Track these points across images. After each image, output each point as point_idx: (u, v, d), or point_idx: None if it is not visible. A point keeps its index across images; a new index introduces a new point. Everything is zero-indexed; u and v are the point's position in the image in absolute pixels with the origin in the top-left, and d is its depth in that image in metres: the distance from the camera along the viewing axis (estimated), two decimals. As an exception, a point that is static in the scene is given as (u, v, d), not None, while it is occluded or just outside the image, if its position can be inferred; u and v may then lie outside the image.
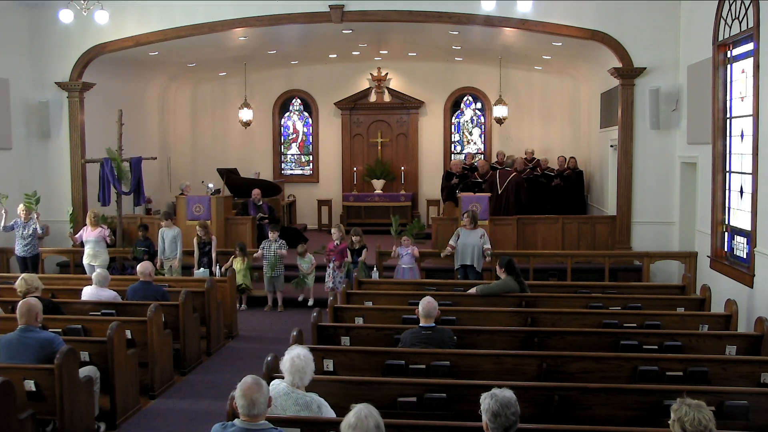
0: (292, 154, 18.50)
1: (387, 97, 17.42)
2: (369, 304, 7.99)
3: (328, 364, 5.75)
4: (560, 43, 12.53)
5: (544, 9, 11.25)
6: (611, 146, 12.88)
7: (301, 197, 17.42)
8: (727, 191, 9.50)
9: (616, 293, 8.32)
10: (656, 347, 6.25)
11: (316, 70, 17.60)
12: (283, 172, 18.33)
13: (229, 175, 15.12)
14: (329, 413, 4.36)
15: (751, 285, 8.35)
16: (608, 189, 13.19)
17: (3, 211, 10.49)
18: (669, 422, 3.30)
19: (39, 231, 10.67)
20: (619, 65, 11.50)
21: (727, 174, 9.47)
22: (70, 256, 11.92)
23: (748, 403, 4.71)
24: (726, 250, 9.51)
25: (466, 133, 17.99)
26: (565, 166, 15.02)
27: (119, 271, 11.37)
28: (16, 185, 12.10)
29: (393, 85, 17.52)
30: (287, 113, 18.40)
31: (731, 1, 9.06)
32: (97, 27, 11.23)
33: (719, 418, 3.82)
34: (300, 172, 18.42)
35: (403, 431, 4.28)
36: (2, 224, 10.57)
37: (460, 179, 14.29)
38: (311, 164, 18.33)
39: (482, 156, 17.21)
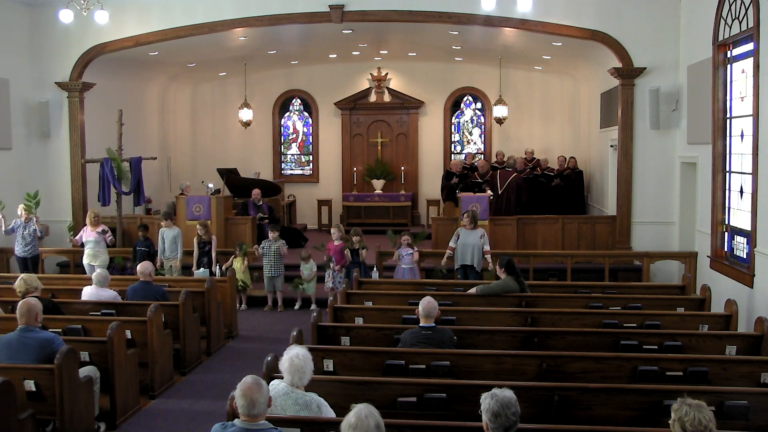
0: (292, 154, 18.50)
1: (387, 97, 17.42)
2: (369, 304, 7.98)
3: (328, 364, 5.75)
4: (560, 43, 12.53)
5: (544, 9, 11.25)
6: (611, 146, 12.88)
7: (301, 197, 17.42)
8: (727, 191, 9.50)
9: (616, 293, 8.32)
10: (656, 347, 6.25)
11: (316, 70, 17.61)
12: (283, 172, 18.33)
13: (229, 175, 15.12)
14: (329, 413, 4.36)
15: (751, 285, 8.35)
16: (608, 189, 13.19)
17: (0, 216, 10.52)
18: (669, 422, 3.30)
19: (38, 233, 10.68)
20: (619, 65, 11.50)
21: (727, 174, 9.47)
22: (70, 256, 11.93)
23: (748, 403, 4.71)
24: (726, 250, 9.51)
25: (466, 133, 17.99)
26: (565, 166, 15.02)
27: (119, 271, 11.36)
28: (16, 185, 12.11)
29: (393, 85, 17.52)
30: (287, 113, 18.40)
31: (731, 1, 9.06)
32: (97, 27, 11.23)
33: (719, 418, 3.82)
34: (300, 172, 18.42)
35: (403, 431, 4.27)
36: (3, 229, 10.58)
37: (460, 179, 14.29)
38: (311, 164, 18.33)
39: (482, 156, 17.21)
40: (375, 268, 10.62)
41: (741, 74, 9.02)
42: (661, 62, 11.40)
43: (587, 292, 8.34)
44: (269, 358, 5.14)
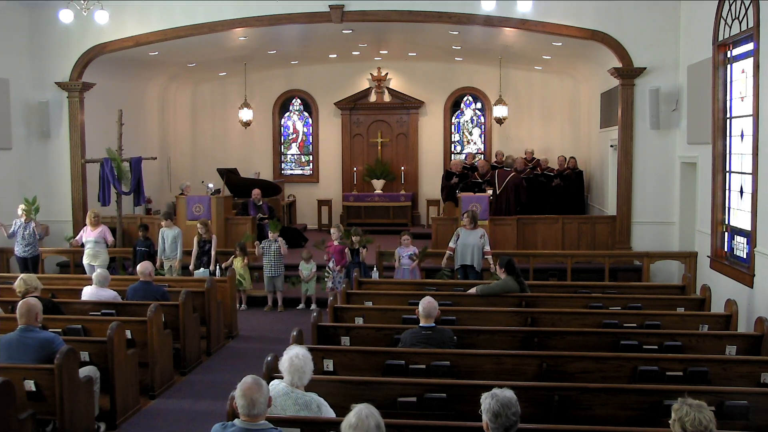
0: (292, 154, 18.50)
1: (387, 97, 17.42)
2: (369, 304, 7.98)
3: (328, 364, 5.75)
4: (560, 43, 12.53)
5: (544, 9, 11.25)
6: (611, 146, 12.88)
7: (301, 197, 17.42)
8: (727, 191, 9.50)
9: (616, 293, 8.32)
10: (656, 347, 6.25)
11: (316, 70, 17.60)
12: (283, 172, 18.33)
13: (229, 175, 15.12)
14: (329, 413, 4.36)
15: (751, 285, 8.35)
16: (608, 189, 13.19)
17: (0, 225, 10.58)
18: (669, 422, 3.30)
19: (38, 236, 10.68)
20: (619, 65, 11.50)
21: (727, 174, 9.47)
22: (70, 256, 11.93)
23: (748, 403, 4.71)
24: (726, 250, 9.50)
25: (466, 133, 17.99)
26: (565, 166, 15.02)
27: (119, 271, 11.36)
28: (16, 185, 12.12)
29: (393, 85, 17.53)
30: (287, 113, 18.40)
31: (731, 1, 9.06)
32: (97, 27, 11.23)
33: (719, 418, 3.83)
34: (300, 172, 18.42)
35: (403, 431, 4.27)
36: (5, 233, 10.60)
37: (460, 179, 14.29)
38: (311, 164, 18.33)
39: (482, 156, 17.21)
40: (375, 268, 10.62)
41: (741, 74, 9.02)
42: (661, 62, 11.39)
43: (587, 292, 8.34)
44: (269, 358, 5.14)
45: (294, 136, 18.45)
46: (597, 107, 14.06)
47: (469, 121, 17.93)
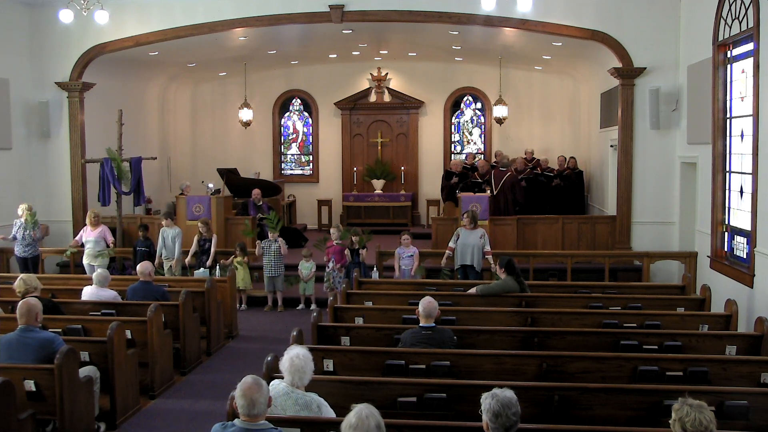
0: (292, 154, 18.50)
1: (387, 97, 17.42)
2: (369, 304, 7.98)
3: (328, 364, 5.75)
4: (560, 43, 12.53)
5: (544, 9, 11.25)
6: (611, 146, 12.88)
7: (301, 197, 17.42)
8: (727, 191, 9.50)
9: (616, 293, 8.32)
10: (656, 347, 6.25)
11: (316, 70, 17.60)
12: (283, 172, 18.33)
13: (229, 175, 15.12)
14: (329, 413, 4.36)
15: (751, 285, 8.35)
16: (608, 189, 13.19)
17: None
18: (669, 422, 3.30)
19: (36, 236, 10.68)
20: (619, 65, 11.50)
21: (727, 174, 9.47)
22: (70, 256, 11.91)
23: (748, 403, 4.71)
24: (726, 250, 9.50)
25: (466, 133, 17.99)
26: (565, 166, 15.02)
27: (119, 271, 11.37)
28: (16, 185, 12.13)
29: (393, 85, 17.53)
30: (287, 113, 18.40)
31: (731, 1, 9.06)
32: (97, 27, 11.23)
33: (719, 418, 3.83)
34: (300, 172, 18.42)
35: (403, 431, 4.27)
36: (8, 238, 10.63)
37: (459, 178, 14.29)
38: (311, 164, 18.33)
39: (482, 156, 17.21)
40: (375, 268, 10.62)
41: (741, 74, 9.02)
42: (661, 62, 11.40)
43: (587, 292, 8.34)
44: (269, 358, 5.14)
45: (294, 136, 18.45)
46: (597, 107, 14.06)
47: (469, 121, 17.93)
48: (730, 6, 9.09)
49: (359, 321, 7.24)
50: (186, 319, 7.81)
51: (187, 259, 10.78)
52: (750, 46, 8.51)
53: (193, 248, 10.84)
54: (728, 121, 9.40)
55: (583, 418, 4.81)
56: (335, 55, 16.37)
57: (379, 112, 17.61)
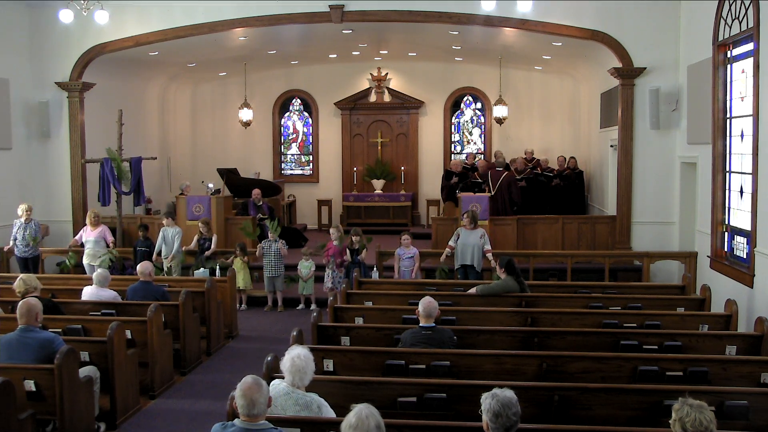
0: (292, 154, 18.50)
1: (387, 97, 17.42)
2: (369, 304, 7.98)
3: (328, 364, 5.75)
4: (560, 43, 12.53)
5: (544, 9, 11.25)
6: (611, 146, 12.88)
7: (301, 197, 17.42)
8: (727, 191, 9.50)
9: (616, 293, 8.32)
10: (656, 347, 6.25)
11: (316, 70, 17.60)
12: (283, 172, 18.33)
13: (229, 175, 15.13)
14: (329, 413, 4.36)
15: (751, 285, 8.35)
16: (608, 189, 13.19)
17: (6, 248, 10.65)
18: (670, 422, 3.30)
19: (34, 235, 10.69)
20: (619, 65, 11.50)
21: (727, 174, 9.47)
22: (72, 264, 11.87)
23: (748, 403, 4.71)
24: (726, 250, 9.50)
25: (466, 133, 17.99)
26: (565, 166, 15.02)
27: (119, 271, 11.36)
28: (16, 185, 12.13)
29: (393, 85, 17.53)
30: (287, 113, 18.40)
31: (731, 1, 9.06)
32: (97, 27, 11.24)
33: (719, 418, 3.82)
34: (300, 172, 18.42)
35: (403, 431, 4.27)
36: (10, 244, 10.62)
37: (459, 178, 14.29)
38: (311, 164, 18.33)
39: (482, 156, 17.21)
40: (375, 268, 10.61)
41: (741, 74, 9.02)
42: (661, 62, 11.40)
43: (587, 292, 8.34)
44: (269, 358, 5.14)
45: (294, 136, 18.45)
46: (597, 107, 14.06)
47: (469, 121, 17.93)
48: (730, 6, 9.09)
49: (359, 321, 7.24)
50: (186, 319, 7.81)
51: (186, 247, 10.84)
52: (750, 46, 8.51)
53: (192, 247, 10.85)
54: (728, 121, 9.40)
55: (583, 418, 4.81)
56: (335, 55, 16.37)
57: (379, 112, 17.61)
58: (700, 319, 7.12)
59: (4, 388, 4.84)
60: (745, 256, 8.85)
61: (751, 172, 8.40)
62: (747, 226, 8.69)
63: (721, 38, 9.40)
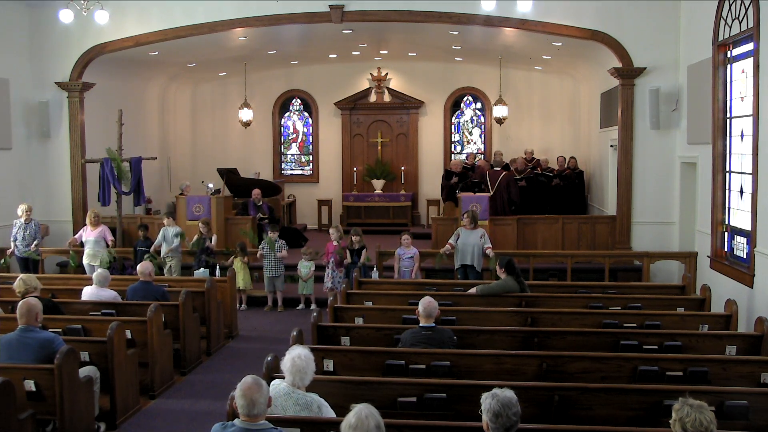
0: (292, 154, 18.50)
1: (387, 97, 17.42)
2: (369, 304, 7.98)
3: (328, 364, 5.75)
4: (560, 43, 12.53)
5: (544, 9, 11.25)
6: (611, 146, 12.88)
7: (301, 197, 17.42)
8: (727, 191, 9.50)
9: (616, 293, 8.32)
10: (656, 347, 6.25)
11: (316, 70, 17.61)
12: (283, 172, 18.33)
13: (229, 175, 15.13)
14: (329, 413, 4.36)
15: (751, 285, 8.35)
16: (608, 189, 13.19)
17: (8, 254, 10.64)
18: (670, 422, 3.30)
19: (34, 236, 10.69)
20: (619, 65, 11.50)
21: (727, 174, 9.47)
22: (74, 266, 11.88)
23: (748, 403, 4.71)
24: (726, 250, 9.50)
25: (466, 133, 17.99)
26: (565, 166, 15.02)
27: (119, 271, 11.36)
28: (16, 185, 12.13)
29: (393, 85, 17.53)
30: (287, 113, 18.40)
31: (731, 1, 9.06)
32: (97, 27, 11.24)
33: (719, 418, 3.82)
34: (300, 172, 18.42)
35: (403, 431, 4.27)
36: (12, 242, 10.62)
37: (459, 178, 14.29)
38: (311, 164, 18.33)
39: (482, 156, 17.21)
40: (375, 268, 10.61)
41: (741, 74, 9.02)
42: (661, 62, 11.39)
43: (587, 292, 8.34)
44: (269, 358, 5.14)
45: (294, 136, 18.45)
46: (597, 107, 14.06)
47: (469, 121, 17.93)
48: (730, 6, 9.09)
49: (359, 321, 7.24)
50: (186, 319, 7.81)
51: (186, 243, 10.88)
52: (750, 46, 8.51)
53: (194, 240, 10.87)
54: (728, 121, 9.40)
55: (583, 418, 4.81)
56: (335, 55, 16.37)
57: (379, 112, 17.61)
58: (700, 319, 7.12)
59: (4, 388, 4.84)
60: (745, 256, 8.85)
61: (751, 172, 8.40)
62: (747, 226, 8.69)
63: (721, 38, 9.40)
